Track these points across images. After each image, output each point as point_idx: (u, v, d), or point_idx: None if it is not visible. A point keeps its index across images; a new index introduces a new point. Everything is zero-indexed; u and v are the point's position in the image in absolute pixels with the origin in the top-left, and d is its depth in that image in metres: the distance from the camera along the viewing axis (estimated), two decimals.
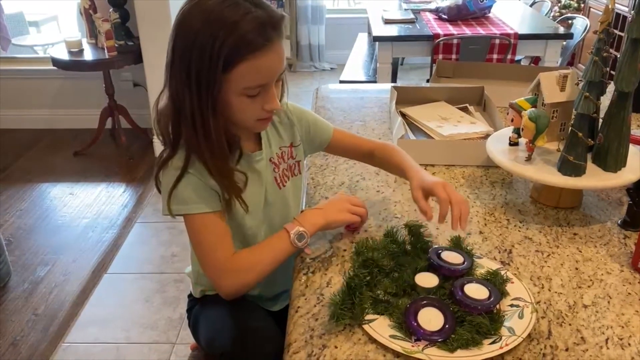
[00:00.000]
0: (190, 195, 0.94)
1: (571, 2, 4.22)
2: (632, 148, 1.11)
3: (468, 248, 0.97)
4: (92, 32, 3.15)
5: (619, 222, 1.09)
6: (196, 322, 1.15)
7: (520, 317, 0.82)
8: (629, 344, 0.80)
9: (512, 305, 0.84)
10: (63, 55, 3.05)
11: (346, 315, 0.81)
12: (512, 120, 1.18)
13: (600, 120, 1.10)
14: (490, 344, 0.77)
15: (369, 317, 0.82)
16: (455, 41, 2.91)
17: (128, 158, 3.26)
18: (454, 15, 3.22)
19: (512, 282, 0.89)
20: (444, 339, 0.77)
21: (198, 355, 1.36)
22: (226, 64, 0.85)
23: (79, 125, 3.61)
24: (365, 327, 0.81)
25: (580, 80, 1.07)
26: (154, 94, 3.08)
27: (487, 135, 1.38)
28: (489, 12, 3.35)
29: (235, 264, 0.96)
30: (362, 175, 1.29)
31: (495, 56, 2.93)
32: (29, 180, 3.06)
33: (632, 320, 0.84)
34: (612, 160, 1.08)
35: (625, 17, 3.57)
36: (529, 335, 0.80)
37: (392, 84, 1.75)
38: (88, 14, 3.10)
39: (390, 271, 0.90)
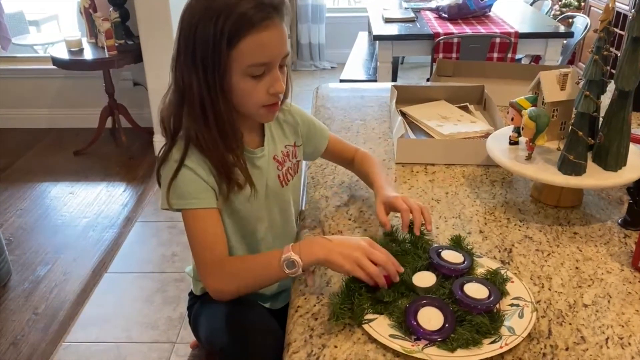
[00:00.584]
0: (187, 190, 0.95)
1: (572, 0, 4.21)
2: (633, 147, 1.11)
3: (468, 247, 0.97)
4: (92, 32, 3.15)
5: (619, 221, 1.09)
6: (196, 319, 1.16)
7: (520, 316, 0.82)
8: (629, 344, 0.80)
9: (512, 305, 0.84)
10: (63, 54, 3.05)
11: (346, 315, 0.81)
12: (512, 119, 1.17)
13: (601, 119, 1.10)
14: (490, 343, 0.77)
15: (368, 316, 0.82)
16: (455, 40, 2.90)
17: (128, 157, 3.26)
18: (454, 14, 3.22)
19: (512, 282, 0.89)
20: (444, 339, 0.77)
21: (198, 354, 1.36)
22: (229, 42, 0.87)
23: (79, 125, 3.61)
24: (365, 326, 0.80)
25: (581, 79, 1.07)
26: (154, 93, 3.12)
27: (487, 134, 1.38)
28: (490, 10, 3.34)
29: (223, 266, 0.95)
30: None
31: (495, 55, 2.93)
32: (29, 179, 3.06)
33: (632, 319, 0.84)
34: (612, 159, 1.08)
35: (625, 16, 3.57)
36: (529, 334, 0.80)
37: (393, 83, 1.74)
38: (88, 13, 3.10)
39: None
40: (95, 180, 3.05)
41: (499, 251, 1.01)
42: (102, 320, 2.01)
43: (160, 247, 2.44)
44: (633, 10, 0.99)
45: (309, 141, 1.16)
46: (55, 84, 3.63)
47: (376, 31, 3.07)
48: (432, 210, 1.14)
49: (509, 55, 2.92)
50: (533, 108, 1.11)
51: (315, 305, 0.88)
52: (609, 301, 0.88)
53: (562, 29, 3.09)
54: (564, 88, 1.14)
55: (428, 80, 3.03)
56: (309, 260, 0.87)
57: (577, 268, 0.96)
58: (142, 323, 1.99)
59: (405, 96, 1.64)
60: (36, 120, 3.67)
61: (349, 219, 1.12)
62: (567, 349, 0.78)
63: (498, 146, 1.19)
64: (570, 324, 0.83)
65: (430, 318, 0.79)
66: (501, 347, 0.76)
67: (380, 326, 0.80)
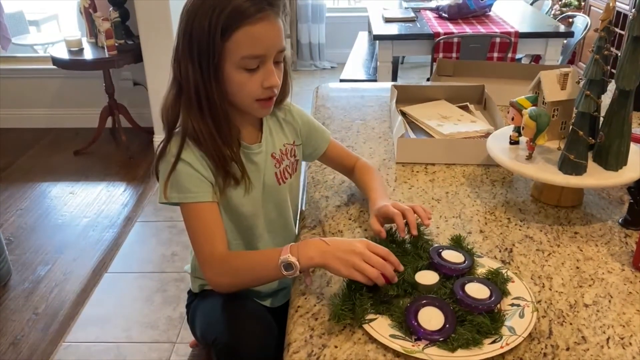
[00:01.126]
0: (185, 184, 0.96)
1: (572, 0, 4.21)
2: (633, 146, 1.11)
3: (469, 247, 0.97)
4: (92, 31, 3.15)
5: (620, 220, 1.09)
6: (194, 316, 1.17)
7: (521, 316, 0.81)
8: (630, 343, 0.79)
9: (512, 305, 0.84)
10: (63, 54, 3.05)
11: (347, 316, 0.81)
12: (512, 119, 1.17)
13: (601, 119, 1.10)
14: (491, 343, 0.76)
15: (369, 316, 0.82)
16: (455, 40, 2.90)
17: (128, 157, 3.26)
18: (454, 14, 3.22)
19: (513, 282, 0.89)
20: (445, 339, 0.77)
21: (198, 353, 1.36)
22: (223, 33, 0.90)
23: (79, 125, 3.61)
24: (366, 326, 0.80)
25: (581, 79, 1.07)
26: (154, 93, 3.12)
27: (487, 134, 1.38)
28: (490, 10, 3.34)
29: (222, 260, 0.96)
30: None
31: (495, 55, 2.93)
32: (29, 179, 3.06)
33: (633, 319, 0.84)
34: (613, 158, 1.07)
35: (625, 16, 3.57)
36: (530, 334, 0.79)
37: (393, 83, 1.74)
38: (88, 13, 3.10)
39: None
40: (95, 180, 3.05)
41: (500, 251, 1.01)
42: (102, 320, 2.01)
43: (160, 246, 2.44)
44: (633, 10, 0.99)
45: (309, 142, 1.17)
46: (55, 84, 3.63)
47: (376, 31, 3.07)
48: (433, 210, 1.14)
49: (509, 55, 2.92)
50: (533, 108, 1.11)
51: (315, 305, 0.88)
52: (609, 301, 0.88)
53: (562, 28, 3.09)
54: (564, 88, 1.14)
55: (428, 79, 3.03)
56: (306, 264, 0.87)
57: (577, 268, 0.96)
58: (142, 323, 1.99)
59: (406, 96, 1.64)
60: (36, 120, 3.67)
61: (349, 219, 1.12)
62: (567, 349, 0.78)
63: (498, 146, 1.18)
64: (571, 323, 0.83)
65: (431, 318, 0.79)
66: (502, 347, 0.76)
67: (381, 326, 0.80)
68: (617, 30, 3.55)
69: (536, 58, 3.31)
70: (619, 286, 0.91)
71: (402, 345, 0.76)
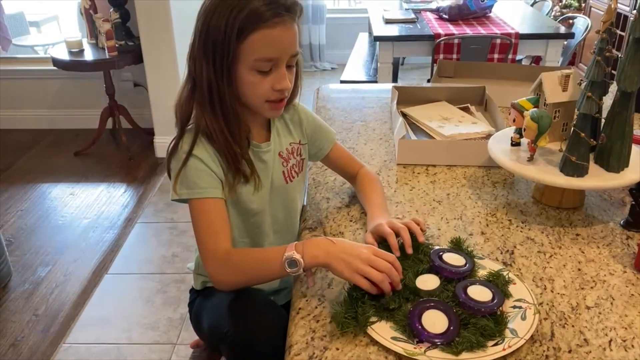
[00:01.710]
0: (195, 180, 0.97)
1: (572, 1, 4.21)
2: (635, 148, 1.11)
3: (469, 249, 0.96)
4: (93, 32, 3.15)
5: (621, 222, 1.09)
6: (198, 313, 1.17)
7: (523, 318, 0.81)
8: (633, 346, 0.79)
9: (514, 307, 0.84)
10: (63, 55, 3.05)
11: (351, 325, 0.80)
12: (514, 121, 1.17)
13: (603, 120, 1.10)
14: (493, 345, 0.76)
15: (371, 318, 0.82)
16: (456, 41, 2.90)
17: (129, 158, 3.26)
18: (454, 15, 3.22)
19: (514, 284, 0.89)
20: (449, 342, 0.76)
21: (199, 354, 1.36)
22: (239, 33, 0.91)
23: (79, 126, 3.60)
24: (367, 329, 0.80)
25: (583, 80, 1.07)
26: (155, 94, 3.12)
27: (488, 136, 1.38)
28: (490, 11, 3.34)
29: (226, 257, 0.96)
30: None
31: (496, 56, 2.93)
32: (29, 180, 3.05)
33: (635, 321, 0.84)
34: (614, 160, 1.07)
35: (626, 17, 3.56)
36: (532, 337, 0.79)
37: (393, 84, 1.74)
38: (88, 14, 3.10)
39: None
40: (95, 181, 3.04)
41: (501, 253, 1.01)
42: (103, 321, 2.01)
43: (161, 247, 2.43)
44: (635, 11, 0.99)
45: (314, 142, 1.17)
46: (55, 85, 3.63)
47: (377, 32, 3.07)
48: (434, 212, 1.14)
49: (510, 56, 2.92)
50: (535, 109, 1.11)
51: (316, 308, 0.87)
52: (611, 303, 0.88)
53: (562, 29, 3.09)
54: (565, 89, 1.14)
55: (429, 81, 3.03)
56: (310, 262, 0.87)
57: (579, 270, 0.96)
58: (143, 324, 1.99)
59: (406, 97, 1.64)
60: (36, 121, 3.67)
61: (350, 220, 1.12)
62: (570, 352, 0.78)
63: (500, 147, 1.18)
64: (573, 326, 0.83)
65: (435, 321, 0.79)
66: (504, 349, 0.76)
67: (383, 329, 0.80)
68: (618, 31, 3.55)
69: (536, 59, 3.31)
70: (620, 288, 0.91)
71: (404, 347, 0.76)
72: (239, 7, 0.90)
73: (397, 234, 0.96)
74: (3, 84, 3.59)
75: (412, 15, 3.31)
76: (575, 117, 1.10)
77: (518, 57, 3.12)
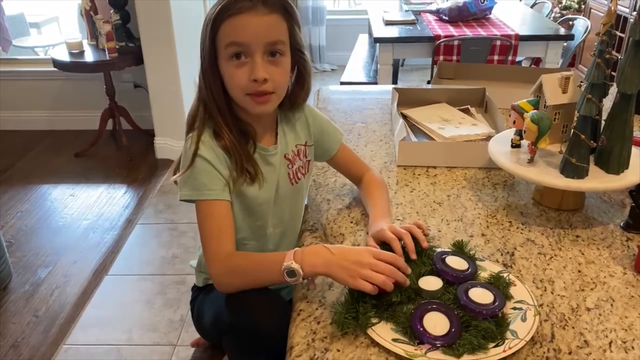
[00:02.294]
0: (202, 181, 0.98)
1: (572, 3, 4.21)
2: (635, 150, 1.11)
3: (471, 252, 0.96)
4: (93, 34, 3.15)
5: (621, 224, 1.09)
6: (200, 309, 1.18)
7: (523, 320, 0.81)
8: (633, 347, 0.79)
9: (514, 308, 0.84)
10: (64, 56, 3.05)
11: (351, 325, 0.80)
12: (514, 122, 1.17)
13: (603, 122, 1.10)
14: (493, 347, 0.76)
15: (372, 320, 0.82)
16: (456, 42, 2.91)
17: (129, 159, 3.26)
18: (454, 17, 3.22)
19: (515, 285, 0.89)
20: (450, 344, 0.77)
21: (199, 355, 1.36)
22: (212, 27, 0.96)
23: (79, 127, 3.60)
24: (368, 330, 0.80)
25: (583, 82, 1.07)
26: (155, 95, 3.12)
27: (488, 137, 1.38)
28: (490, 13, 3.35)
29: (228, 259, 0.96)
30: None
31: (496, 57, 2.93)
32: (29, 181, 3.05)
33: (635, 323, 0.84)
34: (614, 162, 1.08)
35: (626, 19, 3.57)
36: (532, 338, 0.79)
37: (393, 86, 1.75)
38: (89, 15, 3.10)
39: None
40: (95, 182, 3.04)
41: (501, 254, 1.01)
42: (103, 323, 2.01)
43: (161, 249, 2.43)
44: (634, 13, 0.99)
45: (320, 142, 1.17)
46: (55, 86, 3.63)
47: (377, 33, 3.07)
48: (434, 213, 1.14)
49: (510, 57, 2.92)
50: (535, 111, 1.11)
51: (317, 309, 0.88)
52: (612, 305, 0.88)
53: (562, 31, 3.09)
54: (565, 91, 1.14)
55: (429, 82, 3.03)
56: (309, 271, 0.87)
57: (579, 271, 0.96)
58: (143, 325, 1.99)
59: (406, 99, 1.64)
60: (37, 122, 3.67)
61: (351, 222, 1.12)
62: (570, 353, 0.78)
63: (500, 149, 1.18)
64: (573, 327, 0.83)
65: (436, 323, 0.79)
66: (504, 350, 0.76)
67: (384, 330, 0.80)
68: (618, 33, 3.56)
69: (536, 61, 3.32)
70: (620, 290, 0.91)
71: (404, 349, 0.76)
72: (212, 9, 0.96)
73: (400, 239, 0.95)
74: (3, 85, 3.59)
75: (412, 17, 3.31)
76: (575, 119, 1.10)
77: (518, 59, 3.12)
